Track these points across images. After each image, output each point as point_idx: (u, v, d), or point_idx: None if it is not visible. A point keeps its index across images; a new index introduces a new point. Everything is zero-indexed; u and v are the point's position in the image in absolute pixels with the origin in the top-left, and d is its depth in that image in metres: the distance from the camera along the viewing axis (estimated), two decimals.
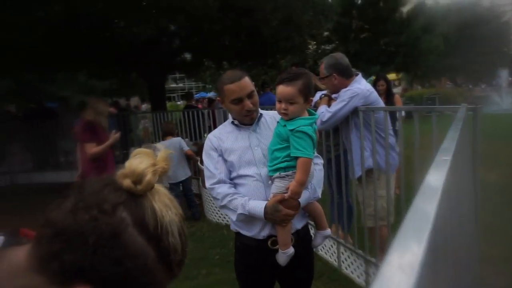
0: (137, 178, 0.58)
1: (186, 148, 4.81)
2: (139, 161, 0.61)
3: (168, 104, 17.85)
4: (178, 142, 4.72)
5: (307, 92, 1.64)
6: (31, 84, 11.23)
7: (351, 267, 3.06)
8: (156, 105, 8.57)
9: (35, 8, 5.07)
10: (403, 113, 3.91)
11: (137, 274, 0.55)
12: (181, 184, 4.87)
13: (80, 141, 4.01)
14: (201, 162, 4.45)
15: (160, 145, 0.67)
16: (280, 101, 1.64)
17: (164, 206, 0.61)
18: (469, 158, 1.74)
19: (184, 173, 4.83)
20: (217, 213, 4.75)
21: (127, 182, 0.58)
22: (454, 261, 1.01)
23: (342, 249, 3.17)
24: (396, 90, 6.38)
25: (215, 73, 17.17)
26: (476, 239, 2.05)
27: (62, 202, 0.58)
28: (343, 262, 3.17)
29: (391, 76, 19.14)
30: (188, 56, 10.30)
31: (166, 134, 4.86)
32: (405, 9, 16.23)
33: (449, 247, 0.83)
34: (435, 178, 0.54)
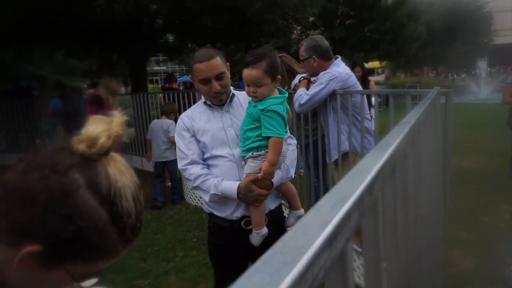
0: (91, 142, 0.59)
1: (172, 134, 4.76)
2: (94, 126, 0.61)
3: (151, 86, 17.54)
4: (168, 125, 4.73)
5: (273, 71, 1.60)
6: (5, 60, 10.81)
7: None
8: (137, 87, 8.40)
9: None
10: (373, 100, 3.91)
11: (88, 233, 0.56)
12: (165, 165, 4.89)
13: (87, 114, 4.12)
14: None
15: (116, 112, 0.67)
16: (248, 85, 1.62)
17: (119, 171, 0.62)
18: (438, 142, 1.77)
19: (169, 154, 4.81)
20: (196, 197, 4.74)
21: (81, 147, 0.59)
22: (414, 241, 1.03)
23: None
24: (378, 78, 6.77)
25: None
26: (444, 223, 2.10)
27: (16, 164, 0.58)
28: None
29: (374, 64, 19.28)
30: (171, 38, 10.09)
31: (162, 113, 4.96)
32: None
33: (405, 227, 0.84)
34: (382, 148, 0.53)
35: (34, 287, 0.61)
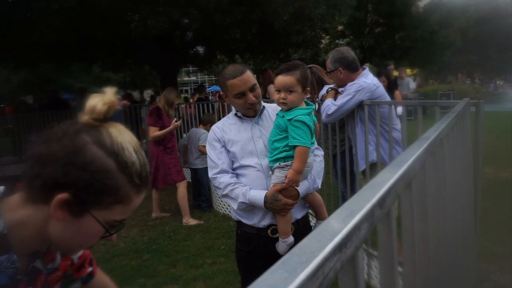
0: (91, 111, 0.74)
1: (202, 143, 4.93)
2: (91, 100, 0.75)
3: (182, 96, 18.03)
4: (200, 134, 4.96)
5: (305, 82, 1.68)
6: (48, 75, 11.46)
7: None
8: None
9: (51, 1, 5.19)
10: (400, 110, 3.86)
11: (101, 177, 0.70)
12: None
13: (147, 125, 4.58)
14: None
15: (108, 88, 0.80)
16: (279, 91, 1.68)
17: (118, 132, 0.76)
18: (468, 153, 1.75)
19: (199, 162, 5.02)
20: (224, 205, 4.82)
21: (85, 117, 0.74)
22: (440, 253, 1.03)
23: None
24: (411, 86, 8.10)
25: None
26: (476, 236, 2.05)
27: (38, 139, 0.74)
28: None
29: (406, 71, 18.86)
30: (200, 49, 10.37)
31: (200, 122, 5.28)
32: (422, 3, 15.93)
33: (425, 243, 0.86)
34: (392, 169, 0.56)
35: (73, 236, 0.75)
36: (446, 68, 20.81)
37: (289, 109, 1.67)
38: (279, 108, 1.84)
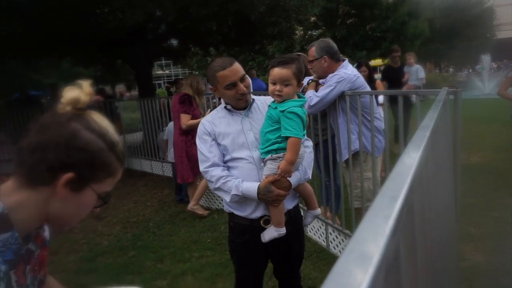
0: (75, 102, 0.83)
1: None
2: (71, 93, 0.84)
3: (159, 90, 17.69)
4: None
5: (300, 76, 1.71)
6: (14, 71, 10.95)
7: (339, 246, 3.18)
8: (144, 92, 8.50)
9: None
10: (381, 99, 3.98)
11: (99, 155, 0.83)
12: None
13: (176, 113, 4.27)
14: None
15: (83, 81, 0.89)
16: (274, 83, 1.70)
17: (99, 118, 0.87)
18: (449, 140, 1.84)
19: None
20: (207, 199, 4.82)
21: (68, 108, 0.83)
22: (433, 240, 1.09)
23: (330, 229, 3.28)
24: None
25: (202, 60, 17.02)
26: (456, 219, 2.16)
27: (25, 135, 0.81)
28: (331, 242, 3.29)
29: (377, 61, 19.28)
30: (174, 42, 10.19)
31: None
32: None
33: (426, 226, 0.91)
34: (412, 154, 0.61)
35: (72, 210, 0.86)
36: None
37: (283, 101, 1.70)
38: (268, 100, 1.86)
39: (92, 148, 0.81)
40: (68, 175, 0.79)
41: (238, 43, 8.86)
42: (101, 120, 0.86)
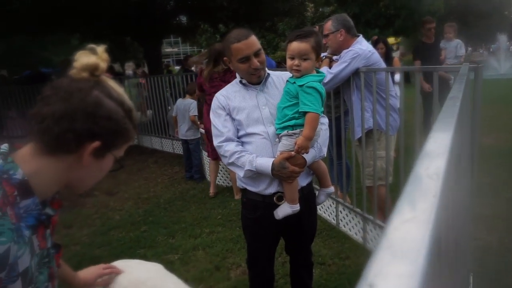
0: (93, 69, 0.82)
1: (192, 113, 4.91)
2: (87, 58, 0.82)
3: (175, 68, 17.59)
4: (189, 104, 4.89)
5: (319, 50, 1.66)
6: (24, 48, 10.95)
7: (349, 224, 3.18)
8: (152, 69, 8.46)
9: None
10: (397, 77, 3.84)
11: (123, 122, 0.84)
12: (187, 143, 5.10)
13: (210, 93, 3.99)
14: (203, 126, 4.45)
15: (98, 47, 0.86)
16: (292, 58, 1.65)
17: (113, 83, 0.87)
18: (468, 119, 1.79)
19: (191, 133, 5.00)
20: (217, 175, 4.85)
21: (85, 74, 0.81)
22: (453, 220, 1.08)
23: (340, 208, 3.28)
24: (393, 55, 5.98)
25: (211, 37, 16.81)
26: (472, 199, 2.13)
27: (46, 102, 0.79)
28: (341, 220, 3.30)
29: (390, 40, 18.83)
30: (183, 19, 10.04)
31: (186, 92, 5.05)
32: None
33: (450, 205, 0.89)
34: (446, 126, 0.58)
35: (93, 175, 0.88)
36: None
37: (301, 76, 1.66)
38: (285, 75, 1.81)
39: (116, 116, 0.82)
40: (96, 144, 0.80)
41: (248, 19, 8.69)
42: (117, 88, 0.86)
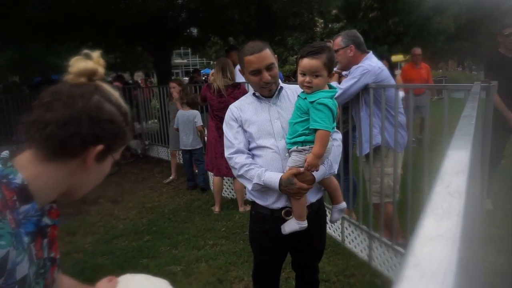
0: (91, 74, 0.83)
1: (199, 123, 4.98)
2: (84, 63, 0.83)
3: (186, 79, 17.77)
4: (193, 115, 4.96)
5: (331, 66, 1.64)
6: (36, 55, 11.14)
7: (355, 241, 3.14)
8: (162, 80, 8.53)
9: None
10: (401, 94, 3.59)
11: (121, 126, 0.85)
12: (190, 153, 5.16)
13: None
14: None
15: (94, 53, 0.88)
16: (304, 74, 1.64)
17: (109, 87, 0.87)
18: (479, 139, 1.77)
19: (195, 143, 5.05)
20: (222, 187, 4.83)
21: (83, 79, 0.83)
22: (471, 241, 1.05)
23: (346, 224, 3.24)
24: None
25: (221, 49, 16.99)
26: (481, 219, 2.10)
27: (47, 108, 0.78)
28: (346, 237, 3.25)
29: (398, 57, 18.89)
30: (194, 31, 10.17)
31: (188, 104, 5.07)
32: None
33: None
34: (462, 143, 0.57)
35: (93, 179, 0.88)
36: (438, 55, 20.89)
37: (312, 92, 1.65)
38: (299, 89, 1.81)
39: (117, 120, 0.83)
40: (99, 147, 0.81)
41: (259, 33, 8.78)
42: (114, 92, 0.87)
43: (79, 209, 4.48)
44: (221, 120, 3.71)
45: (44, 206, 0.85)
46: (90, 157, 0.81)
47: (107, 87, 0.86)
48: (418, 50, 6.92)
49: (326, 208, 2.01)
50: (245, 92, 3.71)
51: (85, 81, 0.83)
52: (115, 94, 0.87)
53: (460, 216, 0.30)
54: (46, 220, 0.85)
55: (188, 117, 4.95)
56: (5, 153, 0.80)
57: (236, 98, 2.89)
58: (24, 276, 0.72)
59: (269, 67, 1.73)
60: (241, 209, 4.20)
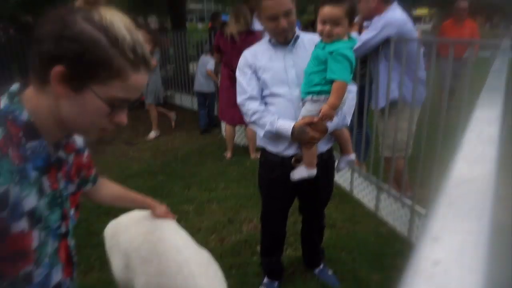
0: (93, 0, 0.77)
1: (209, 67, 5.13)
2: None
3: (188, 25, 17.19)
4: (208, 59, 5.21)
5: (352, 16, 1.59)
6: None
7: (363, 192, 3.23)
8: (176, 24, 8.32)
9: None
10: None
11: (92, 47, 0.72)
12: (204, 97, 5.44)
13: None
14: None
15: None
16: (324, 22, 1.59)
17: (109, 11, 0.77)
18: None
19: (205, 88, 5.32)
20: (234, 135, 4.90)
21: (78, 3, 0.78)
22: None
23: (355, 175, 3.31)
24: (425, 27, 5.54)
25: None
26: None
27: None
28: (355, 187, 3.34)
29: (422, 11, 17.96)
30: None
31: (209, 50, 5.31)
32: None
33: None
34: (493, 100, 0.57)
35: (80, 114, 0.78)
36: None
37: (331, 42, 1.61)
38: (316, 38, 1.77)
39: (85, 38, 0.72)
40: (58, 68, 0.72)
41: None
42: (109, 14, 0.76)
43: (95, 149, 4.62)
44: (233, 69, 3.61)
45: (58, 141, 0.86)
46: (53, 79, 0.73)
47: (101, 10, 0.76)
48: (464, 3, 5.45)
49: (335, 158, 2.06)
50: (260, 39, 3.60)
51: (80, 4, 0.78)
52: (110, 17, 0.75)
53: (493, 162, 0.32)
54: (61, 154, 0.88)
55: (204, 62, 5.23)
56: (14, 86, 0.80)
57: (250, 44, 2.65)
58: (33, 208, 0.77)
59: (287, 13, 1.67)
60: (252, 156, 4.29)
